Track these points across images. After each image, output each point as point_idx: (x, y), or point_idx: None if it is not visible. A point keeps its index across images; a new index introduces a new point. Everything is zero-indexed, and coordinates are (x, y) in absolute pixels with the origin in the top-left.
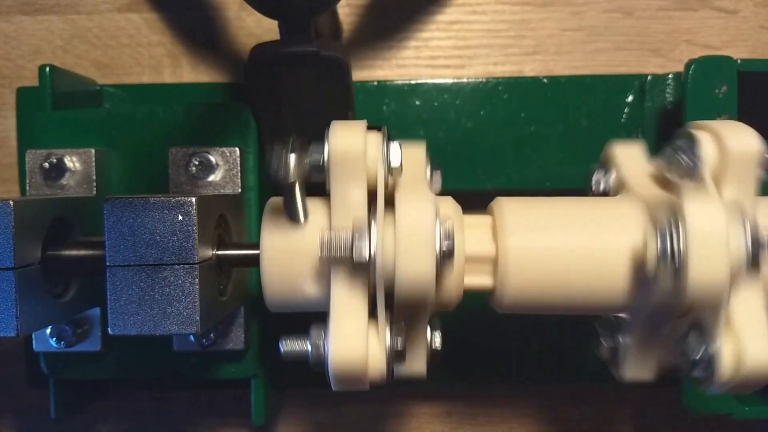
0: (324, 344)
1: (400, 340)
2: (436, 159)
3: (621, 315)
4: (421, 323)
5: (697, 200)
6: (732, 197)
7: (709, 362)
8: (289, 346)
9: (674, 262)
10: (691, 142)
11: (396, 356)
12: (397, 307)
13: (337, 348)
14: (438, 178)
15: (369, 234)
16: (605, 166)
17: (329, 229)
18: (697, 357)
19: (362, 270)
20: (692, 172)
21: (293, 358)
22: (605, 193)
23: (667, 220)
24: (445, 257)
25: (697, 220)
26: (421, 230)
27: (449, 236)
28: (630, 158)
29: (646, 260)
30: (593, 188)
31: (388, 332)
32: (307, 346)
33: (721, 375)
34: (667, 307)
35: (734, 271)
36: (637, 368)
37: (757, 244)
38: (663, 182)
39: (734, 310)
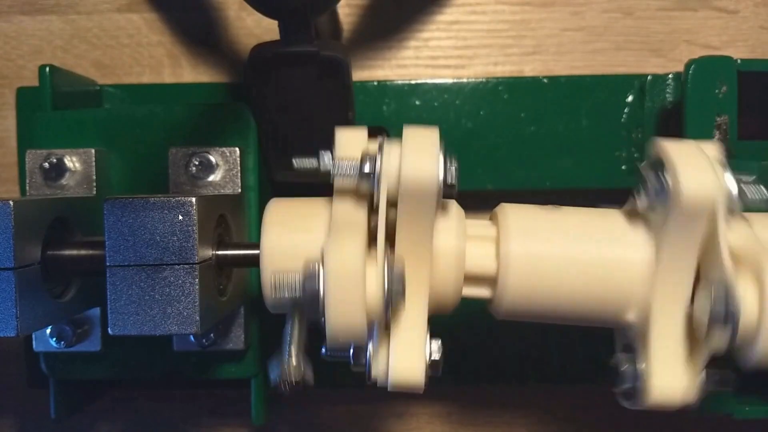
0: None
1: (397, 270)
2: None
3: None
4: (423, 272)
5: None
6: None
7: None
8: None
9: None
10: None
11: (395, 285)
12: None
13: (335, 257)
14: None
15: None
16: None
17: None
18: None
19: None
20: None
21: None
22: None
23: None
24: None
25: None
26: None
27: None
28: None
29: None
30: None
31: (386, 260)
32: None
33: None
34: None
35: None
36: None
37: None
38: None
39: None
